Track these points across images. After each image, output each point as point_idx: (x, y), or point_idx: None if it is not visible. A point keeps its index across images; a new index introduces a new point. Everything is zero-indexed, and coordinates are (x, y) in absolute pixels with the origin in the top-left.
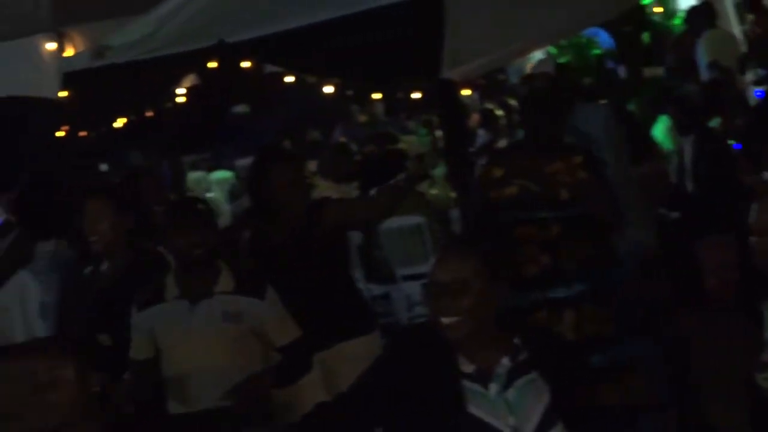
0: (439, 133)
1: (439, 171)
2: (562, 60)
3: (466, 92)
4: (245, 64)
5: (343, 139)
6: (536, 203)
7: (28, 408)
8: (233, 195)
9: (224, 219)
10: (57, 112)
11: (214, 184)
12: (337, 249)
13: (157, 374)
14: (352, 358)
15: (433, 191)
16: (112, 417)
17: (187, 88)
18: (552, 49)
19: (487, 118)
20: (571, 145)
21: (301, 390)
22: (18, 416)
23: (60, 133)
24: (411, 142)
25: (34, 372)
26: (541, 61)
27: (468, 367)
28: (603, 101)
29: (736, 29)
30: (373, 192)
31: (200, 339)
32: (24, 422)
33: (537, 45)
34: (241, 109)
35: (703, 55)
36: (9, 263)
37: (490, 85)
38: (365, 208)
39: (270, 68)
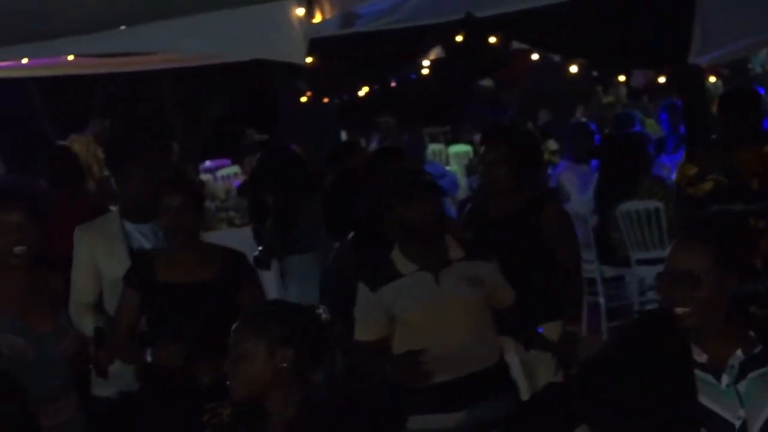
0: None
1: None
2: None
3: (711, 79)
4: (492, 39)
5: (584, 120)
6: (730, 197)
7: (233, 375)
8: (470, 169)
9: (462, 192)
10: (302, 77)
11: (453, 157)
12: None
13: (383, 353)
14: None
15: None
16: (307, 391)
17: (432, 61)
18: None
19: None
20: (760, 134)
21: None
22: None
23: (303, 99)
24: (652, 126)
25: (235, 342)
26: None
27: (701, 357)
28: None
29: None
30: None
31: (451, 307)
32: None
33: None
34: (485, 83)
35: None
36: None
37: (733, 74)
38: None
39: (516, 45)
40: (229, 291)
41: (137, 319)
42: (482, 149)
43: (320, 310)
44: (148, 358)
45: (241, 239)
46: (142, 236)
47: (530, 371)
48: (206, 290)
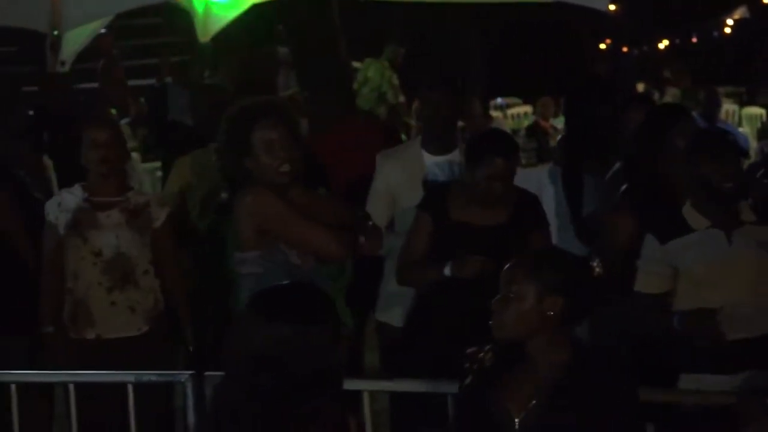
0: None
1: None
2: None
3: None
4: None
5: None
6: None
7: (499, 314)
8: (762, 133)
9: (751, 156)
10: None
11: (745, 119)
12: None
13: (667, 309)
14: None
15: None
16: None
17: (736, 20)
18: None
19: None
20: None
21: None
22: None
23: (602, 46)
24: None
25: (506, 282)
26: None
27: None
28: None
29: None
30: None
31: (739, 269)
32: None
33: None
34: None
35: None
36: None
37: None
38: None
39: None
40: (520, 236)
41: (430, 244)
42: None
43: (595, 263)
44: (447, 272)
45: (526, 180)
46: (438, 169)
47: None
48: (498, 234)
